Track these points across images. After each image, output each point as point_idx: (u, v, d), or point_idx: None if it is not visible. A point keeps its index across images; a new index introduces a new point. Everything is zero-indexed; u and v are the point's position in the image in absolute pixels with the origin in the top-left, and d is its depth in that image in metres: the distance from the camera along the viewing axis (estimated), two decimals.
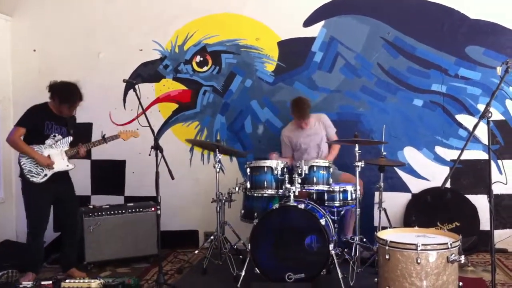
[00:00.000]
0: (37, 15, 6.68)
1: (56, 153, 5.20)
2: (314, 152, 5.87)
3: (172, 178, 4.78)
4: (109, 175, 6.61)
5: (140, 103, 4.92)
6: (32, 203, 5.16)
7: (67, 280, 4.69)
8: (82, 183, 6.43)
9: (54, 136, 5.21)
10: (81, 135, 5.45)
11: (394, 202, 6.05)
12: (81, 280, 4.68)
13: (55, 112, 5.22)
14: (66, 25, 6.62)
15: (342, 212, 5.31)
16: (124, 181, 6.60)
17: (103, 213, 5.74)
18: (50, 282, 4.71)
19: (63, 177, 5.30)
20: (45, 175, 5.14)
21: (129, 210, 5.83)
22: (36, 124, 5.13)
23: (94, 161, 6.59)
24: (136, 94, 4.94)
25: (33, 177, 5.09)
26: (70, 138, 5.32)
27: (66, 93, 5.16)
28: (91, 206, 5.91)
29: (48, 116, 5.19)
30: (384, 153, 5.43)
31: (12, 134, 5.13)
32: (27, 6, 6.66)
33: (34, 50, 6.63)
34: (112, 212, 5.77)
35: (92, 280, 4.66)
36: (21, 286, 4.71)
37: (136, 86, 4.99)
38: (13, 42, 6.67)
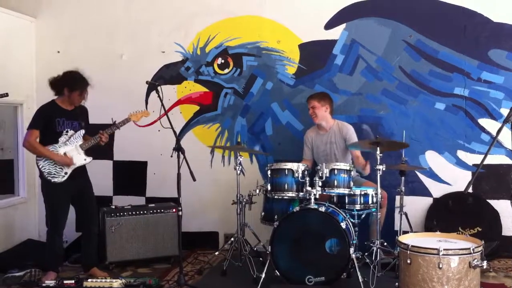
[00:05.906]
0: (60, 17, 6.74)
1: (72, 149, 5.19)
2: (330, 160, 5.73)
3: (194, 179, 4.82)
4: (131, 176, 6.65)
5: (162, 104, 4.97)
6: (53, 201, 5.19)
7: (89, 280, 4.75)
8: (104, 183, 6.49)
9: (67, 132, 5.19)
10: None
11: (415, 206, 6.02)
12: (103, 280, 4.74)
13: (65, 108, 5.22)
14: (88, 27, 6.67)
15: (363, 216, 5.29)
16: (145, 182, 6.64)
17: (125, 213, 5.79)
18: (73, 281, 4.76)
19: (81, 173, 5.29)
20: (65, 173, 5.15)
21: (151, 211, 5.87)
22: (48, 123, 5.11)
23: (116, 162, 6.64)
24: (159, 96, 5.00)
25: (54, 178, 5.11)
26: (83, 132, 5.28)
27: (73, 80, 5.19)
28: (113, 207, 5.96)
29: (57, 112, 5.17)
30: (405, 158, 5.41)
31: (28, 138, 5.11)
32: (50, 7, 6.72)
33: (58, 52, 6.70)
34: (133, 213, 5.82)
35: (114, 280, 4.71)
36: (43, 285, 4.77)
37: (159, 88, 5.05)
38: (38, 43, 6.74)
